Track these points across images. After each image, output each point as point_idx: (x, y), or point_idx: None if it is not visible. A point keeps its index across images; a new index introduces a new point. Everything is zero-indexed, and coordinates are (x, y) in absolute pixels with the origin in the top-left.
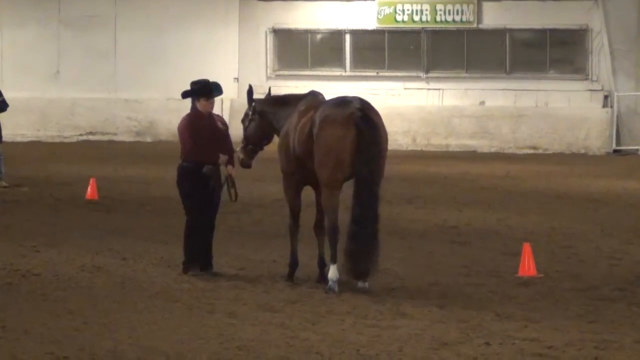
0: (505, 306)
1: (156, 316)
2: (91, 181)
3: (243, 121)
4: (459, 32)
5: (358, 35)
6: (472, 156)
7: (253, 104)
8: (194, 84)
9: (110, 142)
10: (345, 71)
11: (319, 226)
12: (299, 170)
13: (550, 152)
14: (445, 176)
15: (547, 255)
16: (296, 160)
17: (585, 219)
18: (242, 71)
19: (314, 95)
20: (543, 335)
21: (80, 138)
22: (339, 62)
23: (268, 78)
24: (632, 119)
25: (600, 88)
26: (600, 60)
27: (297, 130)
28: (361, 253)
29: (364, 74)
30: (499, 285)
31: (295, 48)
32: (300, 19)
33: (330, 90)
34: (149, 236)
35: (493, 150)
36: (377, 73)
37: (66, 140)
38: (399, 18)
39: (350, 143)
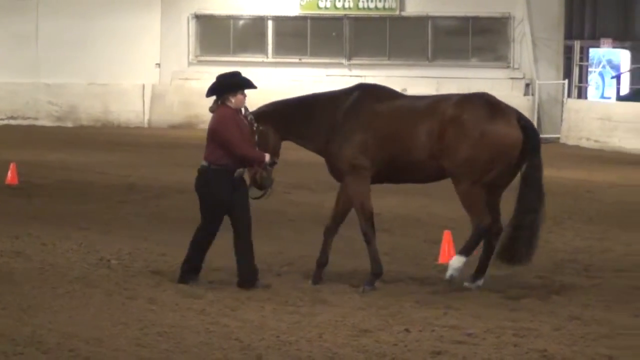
0: (426, 293)
1: (76, 302)
2: (11, 166)
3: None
4: (381, 19)
5: (280, 21)
6: None
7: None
8: (231, 76)
9: (31, 127)
10: (268, 57)
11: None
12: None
13: None
14: None
15: None
16: (384, 158)
17: (506, 206)
18: (164, 57)
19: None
20: (463, 323)
21: (1, 122)
22: (262, 48)
23: (190, 64)
24: (553, 107)
25: (522, 76)
26: (522, 48)
27: (415, 129)
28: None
29: (286, 60)
30: (419, 272)
31: (218, 34)
32: (223, 4)
33: (253, 76)
34: (69, 222)
35: None
36: (300, 59)
37: None
38: (321, 4)
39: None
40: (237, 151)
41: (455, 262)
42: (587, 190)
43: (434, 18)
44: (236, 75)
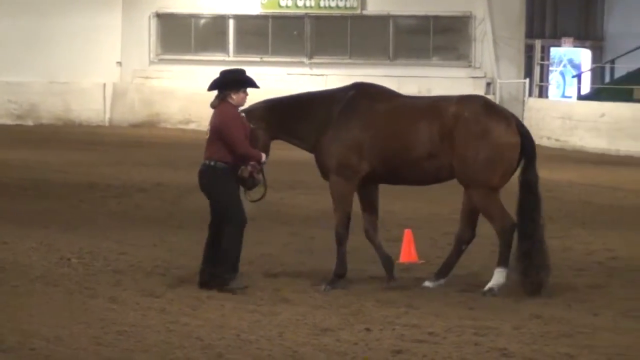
0: (386, 292)
1: (36, 300)
2: None
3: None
4: (342, 18)
5: (242, 20)
6: None
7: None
8: (235, 73)
9: None
10: (229, 56)
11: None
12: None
13: None
14: None
15: (428, 241)
16: (377, 158)
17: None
18: (125, 55)
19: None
20: (423, 321)
21: None
22: (223, 47)
23: (151, 62)
24: (514, 106)
25: (483, 75)
26: (483, 47)
27: (413, 127)
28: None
29: (247, 59)
30: (380, 271)
31: (179, 33)
32: (184, 3)
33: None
34: (29, 220)
35: None
36: (261, 58)
37: None
38: (282, 3)
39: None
40: (240, 150)
41: (499, 277)
42: (547, 189)
43: (395, 17)
44: (241, 72)
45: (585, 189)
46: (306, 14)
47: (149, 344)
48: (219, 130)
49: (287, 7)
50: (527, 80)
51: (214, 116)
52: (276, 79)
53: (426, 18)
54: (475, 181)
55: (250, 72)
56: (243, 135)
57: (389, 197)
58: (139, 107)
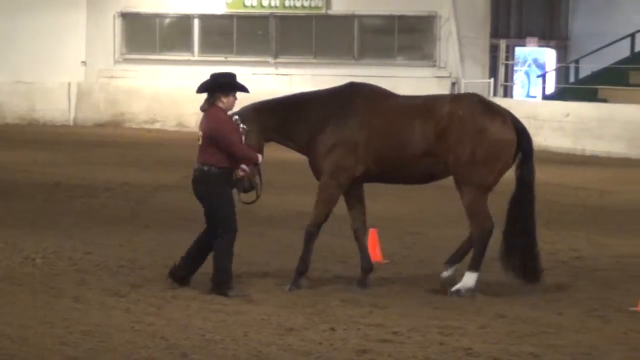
0: (351, 292)
1: (1, 300)
2: None
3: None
4: (307, 18)
5: (207, 19)
6: None
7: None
8: (226, 77)
9: None
10: (194, 56)
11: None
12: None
13: None
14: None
15: (394, 241)
16: (372, 159)
17: (433, 205)
18: (90, 55)
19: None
20: (388, 321)
21: None
22: (188, 46)
23: (116, 62)
24: None
25: (447, 75)
26: (448, 47)
27: (407, 127)
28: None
29: (212, 58)
30: (345, 271)
31: (144, 32)
32: (149, 3)
33: (178, 75)
34: None
35: None
36: (226, 58)
37: None
38: (247, 3)
39: (515, 144)
40: (238, 153)
41: (468, 280)
42: (512, 189)
43: (360, 17)
44: (232, 76)
45: (550, 189)
46: (271, 13)
47: (114, 344)
48: (212, 136)
49: (252, 6)
50: (492, 80)
51: (206, 121)
52: (241, 79)
53: (391, 18)
54: (471, 179)
55: (215, 71)
56: (238, 137)
57: None
58: (104, 107)
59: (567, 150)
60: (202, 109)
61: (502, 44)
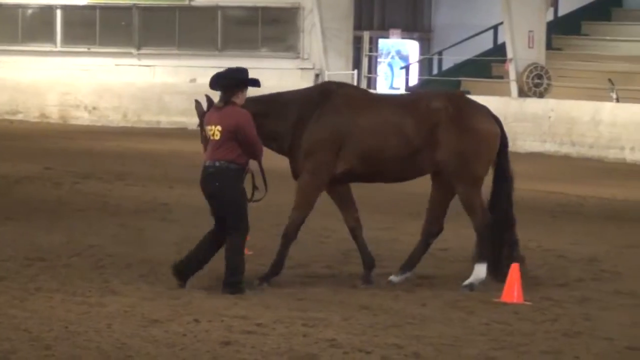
0: (217, 285)
1: None
2: None
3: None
4: (170, 9)
5: (69, 10)
6: (183, 133)
7: None
8: (243, 72)
9: None
10: (56, 47)
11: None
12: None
13: None
14: (156, 153)
15: (257, 233)
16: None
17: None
18: None
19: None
20: (252, 313)
21: None
22: (50, 37)
23: None
24: None
25: (311, 66)
26: (311, 38)
27: (400, 123)
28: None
29: (74, 49)
30: (210, 262)
31: (6, 23)
32: None
33: (41, 66)
34: None
35: None
36: (88, 49)
37: None
38: None
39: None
40: (260, 149)
41: (479, 272)
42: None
43: (223, 8)
44: (246, 71)
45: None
46: (134, 4)
47: None
48: (237, 131)
49: None
50: (356, 72)
51: (227, 117)
52: (104, 70)
53: (255, 9)
54: (464, 173)
55: (78, 62)
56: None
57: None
58: None
59: None
60: (218, 106)
61: (366, 35)
